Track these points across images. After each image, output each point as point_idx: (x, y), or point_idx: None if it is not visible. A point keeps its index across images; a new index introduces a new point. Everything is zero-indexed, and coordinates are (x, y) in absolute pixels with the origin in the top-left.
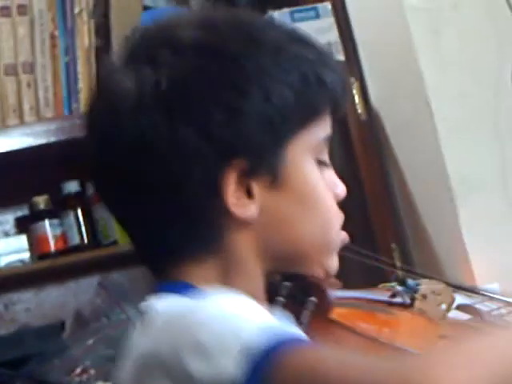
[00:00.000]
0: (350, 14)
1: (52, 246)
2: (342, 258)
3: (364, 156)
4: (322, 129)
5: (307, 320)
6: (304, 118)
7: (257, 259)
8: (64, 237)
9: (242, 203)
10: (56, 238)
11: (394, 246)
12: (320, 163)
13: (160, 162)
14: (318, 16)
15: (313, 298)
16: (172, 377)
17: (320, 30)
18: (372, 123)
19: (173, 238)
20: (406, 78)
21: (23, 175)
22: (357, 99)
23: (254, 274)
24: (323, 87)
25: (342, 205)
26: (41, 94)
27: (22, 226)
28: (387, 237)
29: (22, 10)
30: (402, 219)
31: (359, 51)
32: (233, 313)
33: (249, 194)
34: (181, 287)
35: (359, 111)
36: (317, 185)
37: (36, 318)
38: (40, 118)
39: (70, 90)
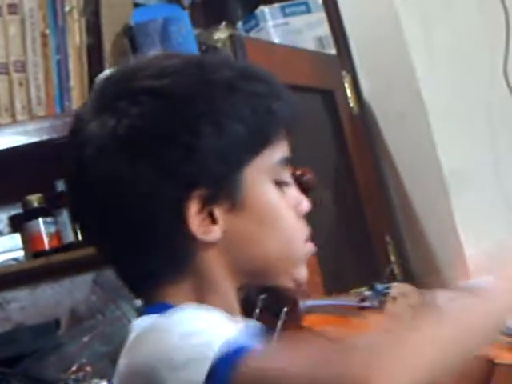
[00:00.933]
0: (341, 8)
1: (46, 244)
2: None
3: (357, 150)
4: (277, 152)
5: (281, 329)
6: (256, 146)
7: (227, 276)
8: (58, 235)
9: (206, 228)
10: (50, 236)
11: (388, 239)
12: (279, 183)
13: (123, 200)
14: (309, 10)
15: (285, 309)
16: None
17: (311, 24)
18: (364, 117)
19: (147, 264)
20: (397, 71)
21: (16, 174)
22: (349, 93)
23: (226, 290)
24: (273, 117)
25: (336, 198)
26: (33, 92)
27: (16, 224)
28: (381, 230)
29: (13, 9)
30: (396, 212)
31: (351, 45)
32: (199, 327)
33: (212, 218)
34: (161, 308)
35: (351, 105)
36: (275, 204)
37: (31, 316)
38: (32, 117)
39: (61, 89)
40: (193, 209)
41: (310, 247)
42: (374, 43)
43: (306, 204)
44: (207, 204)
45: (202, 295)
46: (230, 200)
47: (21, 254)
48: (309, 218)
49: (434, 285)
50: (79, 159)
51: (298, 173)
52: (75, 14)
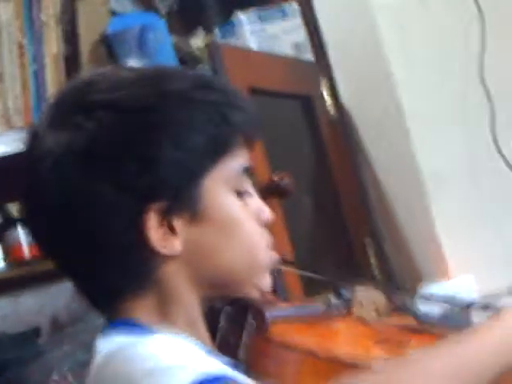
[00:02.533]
0: (318, 13)
1: (27, 253)
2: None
3: (336, 154)
4: (236, 162)
5: (248, 341)
6: (215, 156)
7: (190, 288)
8: None
9: (166, 240)
10: (30, 245)
11: (367, 241)
12: (240, 193)
13: (81, 215)
14: (285, 16)
15: (250, 319)
16: None
17: (288, 30)
18: (343, 122)
19: (108, 279)
20: (374, 75)
21: None
22: (327, 98)
23: (189, 302)
24: (230, 126)
25: (316, 203)
26: (10, 102)
27: None
28: (361, 233)
29: None
30: (375, 215)
31: (328, 51)
32: (165, 366)
33: (172, 230)
34: (125, 325)
35: (329, 111)
36: (235, 214)
37: (12, 324)
38: (10, 127)
39: (39, 98)
40: (152, 222)
41: (272, 256)
42: (351, 48)
43: (268, 213)
44: (166, 216)
45: (165, 308)
46: (190, 211)
47: (1, 263)
48: (288, 222)
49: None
50: (35, 174)
51: (277, 178)
52: (52, 23)
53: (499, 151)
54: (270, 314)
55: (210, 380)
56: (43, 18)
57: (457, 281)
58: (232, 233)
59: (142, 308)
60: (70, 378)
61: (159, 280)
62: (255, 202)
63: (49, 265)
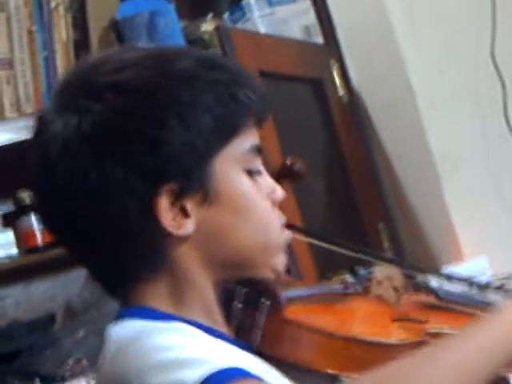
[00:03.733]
0: None
1: (39, 240)
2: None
3: (347, 138)
4: (246, 141)
5: (263, 322)
6: (224, 136)
7: (204, 270)
8: None
9: (179, 222)
10: (43, 231)
11: (381, 225)
12: (251, 172)
13: (92, 199)
14: None
15: (265, 301)
16: None
17: (297, 13)
18: (353, 104)
19: (121, 264)
20: (385, 58)
21: (7, 171)
22: (337, 81)
23: (203, 285)
24: (239, 105)
25: (328, 186)
26: (21, 89)
27: (9, 221)
28: (374, 217)
29: None
30: (388, 199)
31: (338, 33)
32: (176, 359)
33: (184, 212)
34: (139, 312)
35: (340, 93)
36: (247, 194)
37: (26, 312)
38: (21, 114)
39: (49, 85)
40: (164, 203)
41: (286, 234)
42: (361, 31)
43: (280, 192)
44: (178, 198)
45: (179, 292)
46: (201, 192)
47: (14, 250)
48: (300, 206)
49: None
50: (44, 160)
51: (289, 162)
52: (61, 10)
53: (511, 132)
54: (284, 294)
55: (221, 375)
56: (52, 4)
57: (471, 263)
58: (245, 213)
59: (156, 293)
60: (84, 363)
61: (173, 263)
62: (267, 181)
63: (62, 252)
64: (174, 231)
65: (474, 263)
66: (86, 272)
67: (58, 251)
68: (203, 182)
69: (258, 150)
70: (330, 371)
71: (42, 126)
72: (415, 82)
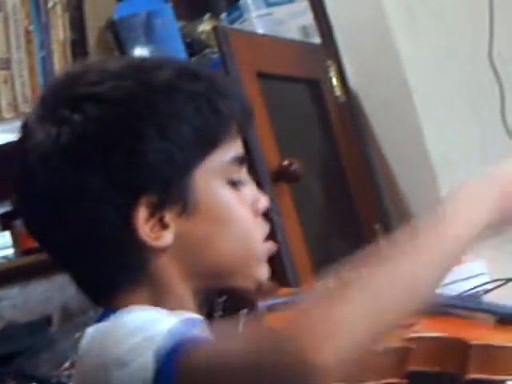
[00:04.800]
0: None
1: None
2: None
3: (344, 138)
4: (228, 152)
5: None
6: (204, 147)
7: (183, 280)
8: None
9: (157, 233)
10: None
11: (377, 226)
12: (234, 183)
13: (70, 209)
14: (292, 0)
15: (244, 311)
16: None
17: (294, 13)
18: (351, 105)
19: (101, 273)
20: (382, 57)
21: (5, 171)
22: (334, 81)
23: (183, 295)
24: (219, 117)
25: (325, 187)
26: (18, 89)
27: (6, 222)
28: (370, 218)
29: None
30: (385, 200)
31: (335, 34)
32: (141, 324)
33: (162, 223)
34: (113, 313)
35: (337, 93)
36: (228, 205)
37: (23, 313)
38: (19, 114)
39: (47, 85)
40: (142, 215)
41: (269, 246)
42: (358, 31)
43: (264, 201)
44: (157, 209)
45: (160, 301)
46: (180, 204)
47: (11, 251)
48: (297, 206)
49: None
50: (23, 168)
51: (286, 163)
52: (58, 10)
53: (509, 134)
54: (262, 303)
55: (187, 324)
56: (50, 4)
57: (468, 266)
58: (225, 224)
59: (137, 302)
60: None
61: (152, 273)
62: (250, 191)
63: None
64: (152, 242)
65: (470, 266)
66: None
67: None
68: (182, 193)
69: (241, 161)
70: None
71: (24, 134)
72: (412, 82)
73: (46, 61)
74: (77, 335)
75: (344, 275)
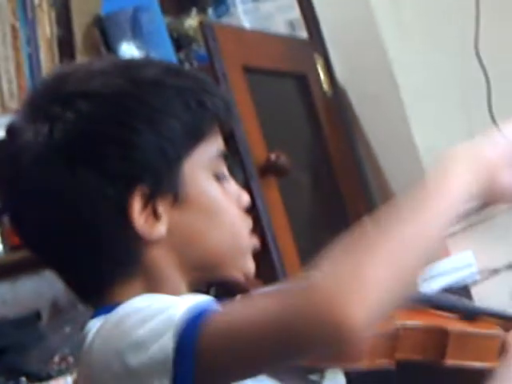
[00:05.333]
0: None
1: None
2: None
3: (332, 132)
4: (213, 146)
5: None
6: (192, 140)
7: (177, 271)
8: None
9: (151, 225)
10: None
11: (365, 218)
12: (218, 177)
13: (65, 205)
14: None
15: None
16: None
17: (281, 8)
18: (338, 99)
19: (96, 267)
20: (369, 52)
21: None
22: (322, 76)
23: (177, 287)
24: (206, 111)
25: (313, 181)
26: (4, 86)
27: None
28: (358, 211)
29: None
30: (373, 193)
31: (322, 28)
32: (155, 306)
33: (155, 215)
34: (113, 308)
35: (324, 88)
36: (216, 197)
37: (12, 309)
38: (5, 110)
39: (33, 81)
40: (136, 207)
41: (253, 241)
42: (345, 25)
43: (245, 198)
44: (149, 200)
45: (153, 293)
46: (172, 194)
47: (0, 247)
48: (285, 200)
49: None
50: (15, 168)
51: (273, 156)
52: (45, 7)
53: (496, 126)
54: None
55: (201, 309)
56: (36, 1)
57: (456, 257)
58: (215, 216)
59: (131, 294)
60: (70, 360)
61: (146, 265)
62: (233, 186)
63: None
64: (146, 234)
65: (459, 257)
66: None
67: None
68: (173, 184)
69: (224, 156)
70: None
71: (12, 135)
72: (400, 76)
73: (33, 57)
74: (67, 330)
75: (359, 234)
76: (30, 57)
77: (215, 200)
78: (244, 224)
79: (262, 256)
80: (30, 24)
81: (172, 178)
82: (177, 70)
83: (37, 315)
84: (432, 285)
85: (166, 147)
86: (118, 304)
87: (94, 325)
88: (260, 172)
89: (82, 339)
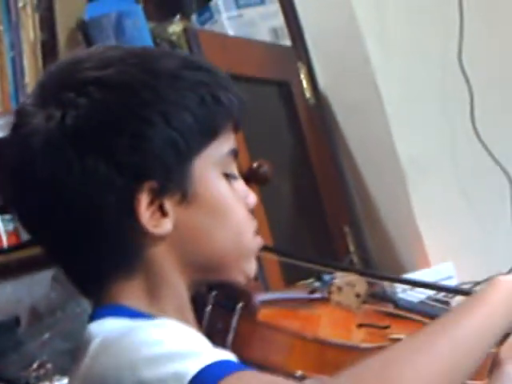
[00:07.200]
0: None
1: (4, 242)
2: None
3: (314, 141)
4: (225, 144)
5: (236, 325)
6: (205, 136)
7: (179, 270)
8: (16, 232)
9: (157, 221)
10: (8, 233)
11: (346, 229)
12: (228, 176)
13: (73, 193)
14: (263, 2)
15: (240, 304)
16: None
17: (265, 15)
18: (320, 107)
19: (98, 261)
20: (352, 61)
21: None
22: (305, 84)
23: (178, 286)
24: (221, 107)
25: (295, 189)
26: None
27: None
28: (340, 220)
29: None
30: (355, 202)
31: (306, 36)
32: (172, 345)
33: (162, 211)
34: (115, 310)
35: (307, 96)
36: (225, 197)
37: None
38: None
39: (17, 85)
40: (143, 201)
41: (258, 241)
42: (328, 34)
43: (252, 198)
44: (157, 196)
45: (154, 292)
46: (181, 192)
47: None
48: (266, 208)
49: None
50: (24, 153)
51: (255, 165)
52: (29, 10)
53: (479, 138)
54: (258, 297)
55: (216, 368)
56: (20, 4)
57: (437, 268)
58: (222, 215)
59: (131, 291)
60: (49, 367)
61: (148, 261)
62: (241, 185)
63: (27, 254)
64: (152, 230)
65: (439, 269)
66: (51, 274)
67: (23, 253)
68: (183, 181)
69: (235, 155)
70: (299, 373)
71: (21, 119)
72: (383, 85)
73: (16, 61)
74: (45, 336)
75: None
76: (13, 60)
77: (223, 200)
78: (250, 225)
79: None
80: (14, 28)
81: (182, 175)
82: (195, 63)
83: (15, 321)
84: (412, 295)
85: (178, 141)
86: (117, 305)
87: (101, 330)
88: (242, 180)
89: (84, 344)
